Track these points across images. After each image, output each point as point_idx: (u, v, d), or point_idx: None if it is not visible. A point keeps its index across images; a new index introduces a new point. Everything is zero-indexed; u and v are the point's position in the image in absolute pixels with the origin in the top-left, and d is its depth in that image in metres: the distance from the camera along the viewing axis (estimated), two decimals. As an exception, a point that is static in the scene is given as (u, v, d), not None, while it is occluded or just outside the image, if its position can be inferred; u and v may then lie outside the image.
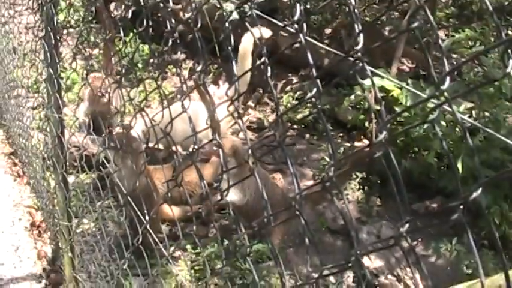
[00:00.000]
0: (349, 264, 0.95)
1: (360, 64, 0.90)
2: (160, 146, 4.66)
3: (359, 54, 0.88)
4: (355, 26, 0.88)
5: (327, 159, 4.58)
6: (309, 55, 0.98)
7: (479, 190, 0.71)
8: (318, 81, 0.95)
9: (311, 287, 1.01)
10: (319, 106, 0.97)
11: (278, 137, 1.10)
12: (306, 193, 1.02)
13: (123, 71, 1.86)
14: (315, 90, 0.96)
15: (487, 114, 4.14)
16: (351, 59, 0.91)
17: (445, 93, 0.74)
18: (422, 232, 3.94)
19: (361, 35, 0.88)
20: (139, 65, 5.66)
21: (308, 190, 1.09)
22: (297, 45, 1.04)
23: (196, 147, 1.48)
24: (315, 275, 1.01)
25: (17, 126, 4.27)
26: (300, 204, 1.01)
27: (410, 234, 0.82)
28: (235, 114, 1.34)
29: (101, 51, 4.31)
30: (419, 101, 0.82)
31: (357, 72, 0.91)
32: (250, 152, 1.20)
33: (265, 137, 4.95)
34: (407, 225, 0.79)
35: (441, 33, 6.42)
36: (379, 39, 1.19)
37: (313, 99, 0.96)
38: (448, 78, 0.73)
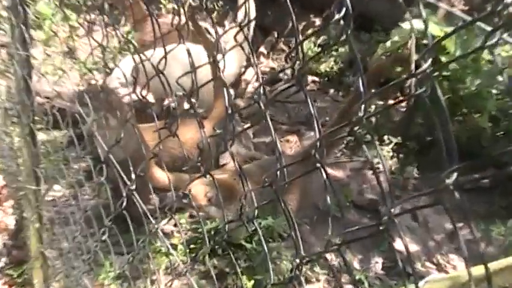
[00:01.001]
0: (381, 228, 0.93)
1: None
2: (151, 99, 4.65)
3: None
4: None
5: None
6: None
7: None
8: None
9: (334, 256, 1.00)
10: (349, 31, 0.93)
11: (296, 72, 1.07)
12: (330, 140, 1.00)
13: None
14: (344, 10, 0.93)
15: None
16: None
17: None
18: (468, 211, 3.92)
19: None
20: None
21: (331, 135, 1.07)
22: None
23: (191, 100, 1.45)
24: (338, 241, 1.00)
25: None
26: (321, 154, 0.98)
27: (459, 190, 0.77)
28: (246, 48, 1.31)
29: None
30: (471, 20, 0.79)
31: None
32: (262, 93, 1.17)
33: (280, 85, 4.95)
34: (455, 175, 0.74)
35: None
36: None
37: (342, 22, 0.93)
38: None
